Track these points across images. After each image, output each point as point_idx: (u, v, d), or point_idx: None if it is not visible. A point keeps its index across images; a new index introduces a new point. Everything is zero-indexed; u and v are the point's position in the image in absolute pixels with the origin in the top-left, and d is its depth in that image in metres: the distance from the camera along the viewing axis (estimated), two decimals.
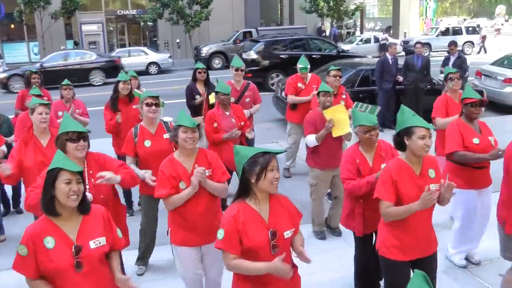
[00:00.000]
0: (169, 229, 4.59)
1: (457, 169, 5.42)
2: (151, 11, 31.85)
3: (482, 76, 15.52)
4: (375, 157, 4.80)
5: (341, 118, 6.11)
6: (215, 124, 6.89)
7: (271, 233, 3.35)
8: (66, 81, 7.95)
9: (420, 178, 3.96)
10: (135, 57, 27.16)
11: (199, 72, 8.40)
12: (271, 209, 3.44)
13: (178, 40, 32.65)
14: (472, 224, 5.65)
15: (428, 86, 12.59)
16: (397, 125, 4.03)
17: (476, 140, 5.25)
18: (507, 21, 59.59)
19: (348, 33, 42.65)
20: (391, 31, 42.12)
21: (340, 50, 21.11)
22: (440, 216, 5.84)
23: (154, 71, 27.02)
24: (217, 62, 28.12)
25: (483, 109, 5.54)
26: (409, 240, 4.00)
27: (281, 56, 19.83)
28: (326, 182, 6.55)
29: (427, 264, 4.07)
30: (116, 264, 3.50)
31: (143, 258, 5.99)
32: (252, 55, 19.90)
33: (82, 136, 4.16)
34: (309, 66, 8.90)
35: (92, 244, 3.26)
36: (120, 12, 38.31)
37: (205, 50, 28.32)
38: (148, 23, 36.76)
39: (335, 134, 6.15)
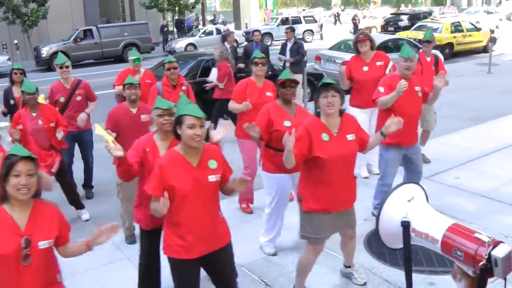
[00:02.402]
0: None
1: (269, 153, 5.35)
2: None
3: (322, 60, 16.10)
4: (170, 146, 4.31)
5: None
6: (20, 126, 6.35)
7: (24, 241, 2.99)
8: None
9: (197, 170, 3.66)
10: None
11: (15, 73, 7.62)
12: (31, 216, 3.09)
13: (16, 41, 30.20)
14: (281, 208, 5.57)
15: (270, 73, 12.69)
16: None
17: (287, 123, 5.10)
18: (343, 10, 62.84)
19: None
20: (234, 23, 42.65)
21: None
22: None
23: None
24: None
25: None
26: (190, 236, 3.69)
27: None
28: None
29: (219, 258, 3.89)
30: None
31: None
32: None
33: None
34: (141, 58, 8.45)
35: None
36: None
37: (45, 51, 26.33)
38: None
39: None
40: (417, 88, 5.95)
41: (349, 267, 5.04)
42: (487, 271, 2.11)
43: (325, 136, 4.23)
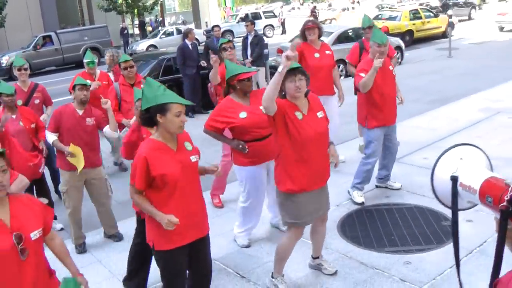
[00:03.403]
0: None
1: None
2: None
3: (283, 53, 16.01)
4: None
5: (80, 154, 5.67)
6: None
7: (16, 237, 2.91)
8: None
9: (178, 153, 3.70)
10: None
11: None
12: (12, 211, 2.99)
13: None
14: (259, 200, 5.47)
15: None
16: (146, 100, 3.64)
17: (242, 114, 5.04)
18: (302, 4, 63.14)
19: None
20: (194, 23, 42.48)
21: None
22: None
23: None
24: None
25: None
26: (183, 221, 3.63)
27: None
28: (79, 187, 5.85)
29: (204, 246, 3.95)
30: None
31: None
32: None
33: None
34: (96, 61, 8.28)
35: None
36: None
37: (5, 60, 25.49)
38: None
39: (76, 164, 5.68)
40: (390, 68, 6.17)
41: (317, 258, 4.94)
42: (509, 213, 2.16)
43: (299, 114, 4.25)
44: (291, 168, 4.31)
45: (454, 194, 2.65)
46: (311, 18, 8.28)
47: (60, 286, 3.10)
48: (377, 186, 6.64)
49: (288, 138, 4.24)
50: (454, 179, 2.61)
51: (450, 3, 35.17)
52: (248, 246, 5.56)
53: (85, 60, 8.14)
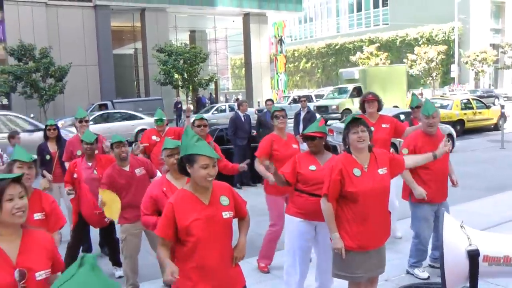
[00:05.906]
0: None
1: (295, 195, 5.14)
2: (3, 84, 29.85)
3: (334, 133, 16.09)
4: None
5: (115, 203, 5.77)
6: (75, 175, 6.50)
7: (18, 273, 2.77)
8: None
9: (210, 207, 3.51)
10: None
11: (49, 129, 8.07)
12: (22, 246, 2.89)
13: (32, 115, 30.60)
14: (303, 261, 5.19)
15: None
16: (181, 149, 3.61)
17: (312, 167, 4.98)
18: None
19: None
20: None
21: None
22: None
23: None
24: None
25: None
26: (204, 280, 3.47)
27: None
28: (137, 235, 5.97)
29: None
30: None
31: None
32: None
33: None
34: (165, 118, 8.72)
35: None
36: None
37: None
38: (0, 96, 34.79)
39: (107, 214, 5.89)
40: None
41: None
42: None
43: (357, 171, 4.22)
44: (347, 226, 4.24)
45: (475, 274, 2.16)
46: (372, 91, 8.17)
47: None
48: (430, 266, 6.36)
49: (344, 195, 4.20)
50: (474, 255, 2.09)
51: None
52: None
53: (154, 118, 8.66)
